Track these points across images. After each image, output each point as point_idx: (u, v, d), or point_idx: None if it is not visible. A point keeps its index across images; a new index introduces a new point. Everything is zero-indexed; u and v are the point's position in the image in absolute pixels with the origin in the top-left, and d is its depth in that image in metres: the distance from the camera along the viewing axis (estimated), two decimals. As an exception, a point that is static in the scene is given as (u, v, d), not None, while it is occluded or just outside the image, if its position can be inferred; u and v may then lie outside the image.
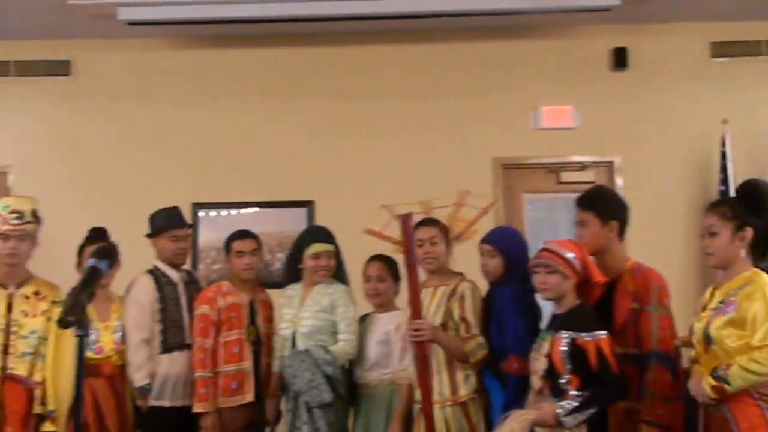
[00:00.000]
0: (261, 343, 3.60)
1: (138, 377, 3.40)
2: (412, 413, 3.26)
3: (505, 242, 3.25)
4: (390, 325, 3.43)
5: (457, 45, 5.69)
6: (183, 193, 4.98)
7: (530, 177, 5.66)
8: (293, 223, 5.57)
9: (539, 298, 3.03)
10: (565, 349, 2.68)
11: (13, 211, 3.28)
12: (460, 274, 3.31)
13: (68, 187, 5.35)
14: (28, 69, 5.75)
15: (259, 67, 5.75)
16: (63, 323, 1.95)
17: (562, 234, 5.42)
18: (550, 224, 5.57)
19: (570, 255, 2.80)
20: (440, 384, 3.13)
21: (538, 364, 2.77)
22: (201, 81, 5.74)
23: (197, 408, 3.37)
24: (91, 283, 2.09)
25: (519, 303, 3.11)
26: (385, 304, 3.53)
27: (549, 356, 2.71)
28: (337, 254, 3.59)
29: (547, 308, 3.02)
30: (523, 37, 5.64)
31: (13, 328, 3.24)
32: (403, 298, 3.40)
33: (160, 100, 5.73)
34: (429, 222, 3.33)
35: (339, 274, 3.60)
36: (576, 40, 5.65)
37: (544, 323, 3.07)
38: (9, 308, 3.26)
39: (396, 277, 3.56)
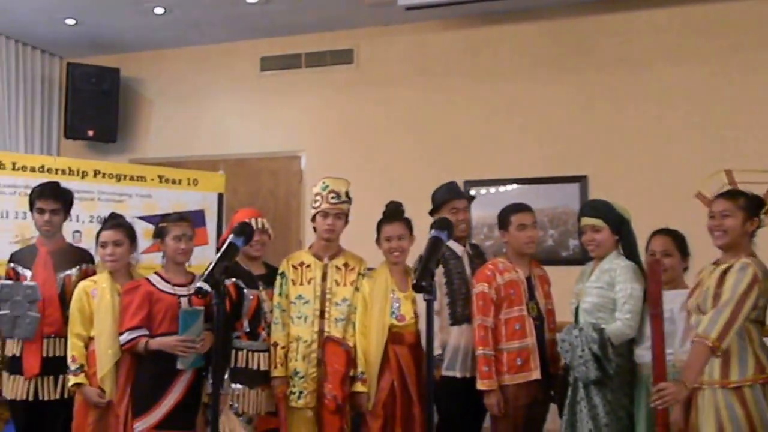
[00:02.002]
0: (543, 319, 3.56)
1: None
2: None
3: None
4: (675, 304, 3.19)
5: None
6: (456, 171, 5.06)
7: None
8: (566, 198, 5.48)
9: None
10: None
11: (332, 191, 3.57)
12: (753, 255, 2.90)
13: (354, 168, 5.64)
14: (315, 60, 6.24)
15: (531, 40, 5.69)
16: (417, 288, 2.14)
17: None
18: None
19: None
20: (710, 364, 2.81)
21: None
22: (475, 59, 5.82)
23: (481, 385, 3.39)
24: (436, 252, 2.28)
25: None
26: (671, 281, 3.28)
27: None
28: (618, 228, 3.41)
29: None
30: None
31: (327, 296, 3.55)
32: (691, 274, 3.19)
33: (436, 81, 5.90)
34: (725, 194, 2.99)
35: (628, 250, 3.42)
36: None
37: None
38: (324, 277, 3.58)
39: (684, 253, 3.34)
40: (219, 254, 2.51)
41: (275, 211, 6.16)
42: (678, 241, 3.33)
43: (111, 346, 3.34)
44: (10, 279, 3.61)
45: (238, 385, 3.44)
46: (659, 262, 2.97)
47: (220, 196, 5.58)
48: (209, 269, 2.41)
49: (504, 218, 3.61)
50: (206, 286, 2.36)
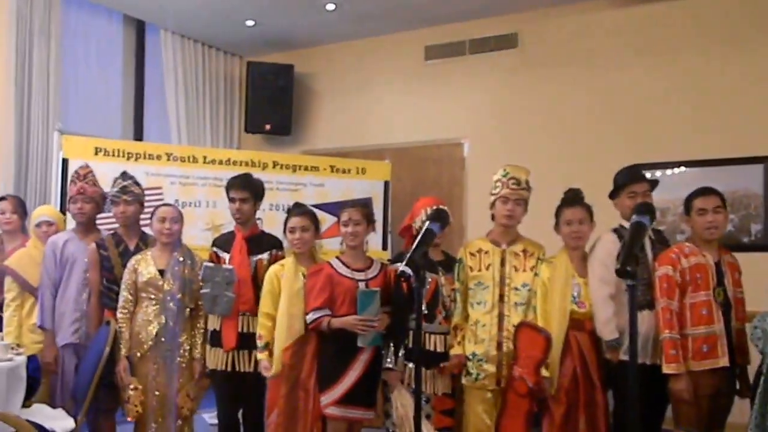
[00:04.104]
0: (730, 306, 3.42)
1: (606, 331, 3.49)
2: None
3: None
4: None
5: None
6: (627, 154, 4.92)
7: None
8: (747, 181, 5.21)
9: None
10: None
11: (512, 178, 3.64)
12: None
13: (517, 154, 5.56)
14: (479, 46, 6.27)
15: (703, 15, 5.42)
16: (621, 273, 2.18)
17: None
18: None
19: None
20: None
21: None
22: (643, 37, 5.63)
23: (668, 369, 3.32)
24: (640, 236, 2.37)
25: None
26: None
27: None
28: None
29: None
30: None
31: (506, 281, 3.62)
32: None
33: (602, 62, 5.77)
34: None
35: None
36: None
37: None
38: (502, 263, 3.65)
39: None
40: (418, 240, 2.64)
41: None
42: None
43: (293, 325, 3.58)
44: (212, 262, 3.99)
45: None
46: None
47: (386, 184, 5.79)
48: (410, 254, 2.55)
49: (687, 202, 3.54)
50: (408, 270, 2.50)
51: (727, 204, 3.54)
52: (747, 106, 5.22)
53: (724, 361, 3.32)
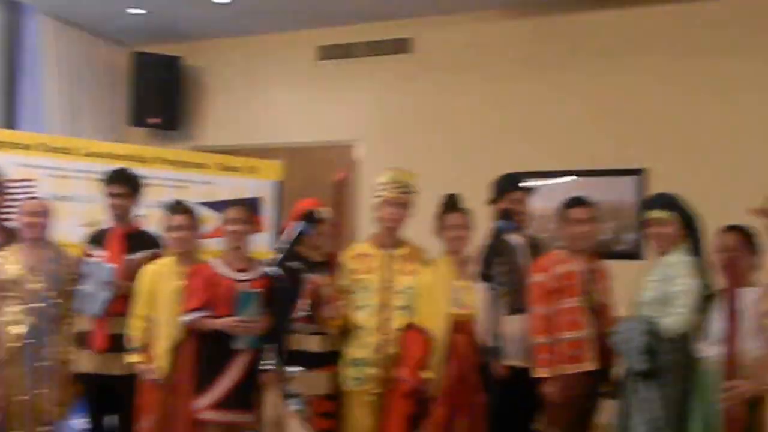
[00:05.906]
0: (598, 312, 3.54)
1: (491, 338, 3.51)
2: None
3: None
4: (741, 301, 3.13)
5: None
6: (513, 162, 4.97)
7: None
8: (621, 192, 5.40)
9: None
10: None
11: (397, 181, 3.63)
12: None
13: (409, 158, 5.46)
14: (373, 49, 6.26)
15: (590, 30, 5.62)
16: (484, 278, 2.22)
17: None
18: None
19: None
20: None
21: None
22: (536, 49, 5.76)
23: (539, 373, 3.42)
24: (500, 242, 2.44)
25: None
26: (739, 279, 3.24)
27: None
28: (687, 224, 3.37)
29: None
30: None
31: (389, 285, 3.58)
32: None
33: (494, 71, 5.87)
34: None
35: (694, 246, 3.37)
36: None
37: None
38: (385, 267, 3.60)
39: (753, 250, 3.27)
40: (286, 240, 2.60)
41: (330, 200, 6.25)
42: (748, 237, 3.27)
43: (172, 327, 3.48)
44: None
45: (295, 368, 3.52)
46: (735, 260, 2.93)
47: (278, 183, 5.70)
48: (277, 254, 2.50)
49: (560, 211, 3.64)
50: (273, 270, 2.45)
51: (603, 213, 3.67)
52: (624, 119, 5.44)
53: (590, 366, 3.44)
